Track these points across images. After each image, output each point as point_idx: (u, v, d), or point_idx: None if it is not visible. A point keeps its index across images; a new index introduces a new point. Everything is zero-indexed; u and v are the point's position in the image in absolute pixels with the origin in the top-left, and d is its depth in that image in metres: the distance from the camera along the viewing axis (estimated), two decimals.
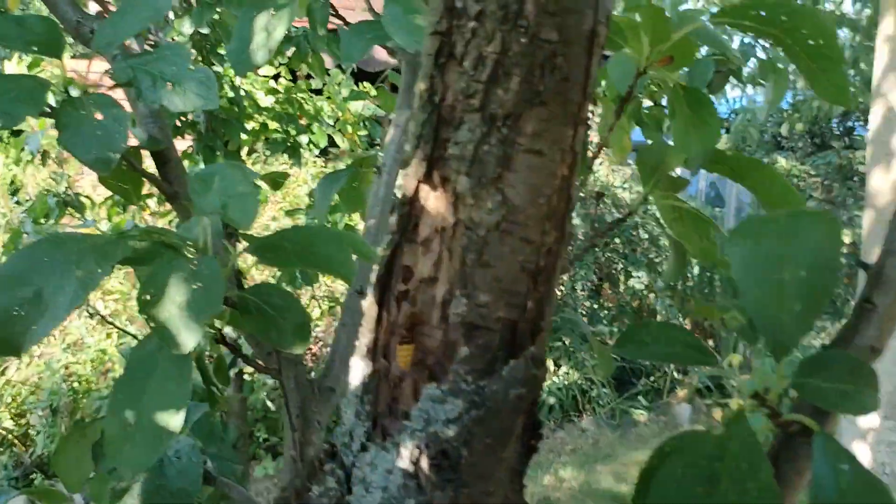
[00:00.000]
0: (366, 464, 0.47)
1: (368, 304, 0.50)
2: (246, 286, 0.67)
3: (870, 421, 2.86)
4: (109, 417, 0.55)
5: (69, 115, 0.72)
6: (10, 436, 4.15)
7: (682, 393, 5.54)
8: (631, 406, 5.33)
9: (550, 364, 5.35)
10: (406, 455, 0.45)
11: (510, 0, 0.43)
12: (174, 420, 0.53)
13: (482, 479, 0.46)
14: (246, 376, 2.47)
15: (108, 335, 4.60)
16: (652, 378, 5.62)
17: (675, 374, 5.69)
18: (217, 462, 1.19)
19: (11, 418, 4.15)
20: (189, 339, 0.52)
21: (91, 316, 4.28)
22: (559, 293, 5.55)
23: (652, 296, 5.81)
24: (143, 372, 0.56)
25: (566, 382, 5.28)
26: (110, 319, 3.69)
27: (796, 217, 0.44)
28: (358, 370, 0.50)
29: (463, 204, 0.46)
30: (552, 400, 5.17)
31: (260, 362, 0.78)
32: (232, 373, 2.52)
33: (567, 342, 5.35)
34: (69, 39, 0.90)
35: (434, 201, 0.48)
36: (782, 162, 7.59)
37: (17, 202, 5.17)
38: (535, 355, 0.46)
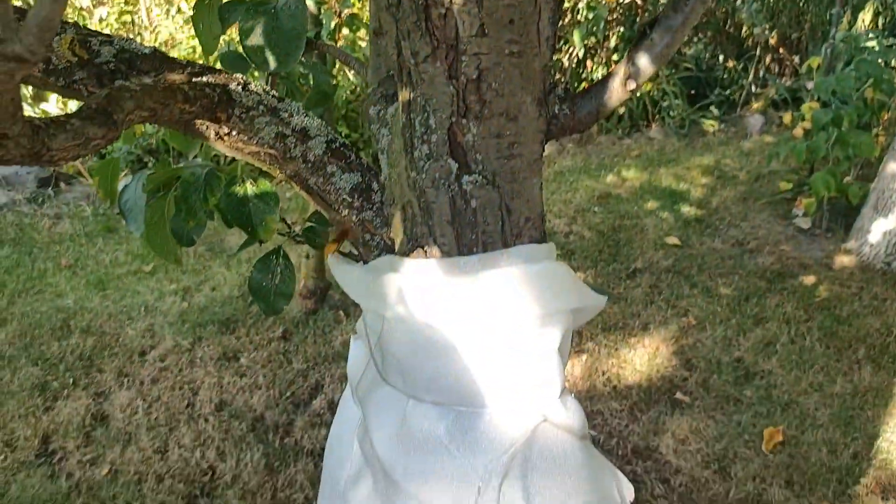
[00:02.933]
0: None
1: None
2: None
3: None
4: None
5: None
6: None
7: (756, 105, 5.55)
8: (702, 116, 5.41)
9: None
10: None
11: None
12: None
13: None
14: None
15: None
16: (728, 91, 5.61)
17: (753, 87, 5.66)
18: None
19: None
20: None
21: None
22: None
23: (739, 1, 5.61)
24: None
25: (638, 93, 5.35)
26: None
27: None
28: None
29: None
30: (621, 110, 5.30)
31: None
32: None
33: None
34: None
35: None
36: None
37: None
38: None
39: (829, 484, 2.39)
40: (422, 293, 0.73)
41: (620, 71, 0.72)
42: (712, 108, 5.44)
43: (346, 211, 0.83)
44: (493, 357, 0.74)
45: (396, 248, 0.80)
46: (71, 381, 2.94)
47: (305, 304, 3.41)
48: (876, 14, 5.42)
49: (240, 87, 0.81)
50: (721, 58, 5.74)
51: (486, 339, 0.73)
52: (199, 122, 0.78)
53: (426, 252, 0.74)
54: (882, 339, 3.07)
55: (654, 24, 0.70)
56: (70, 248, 4.20)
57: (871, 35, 4.16)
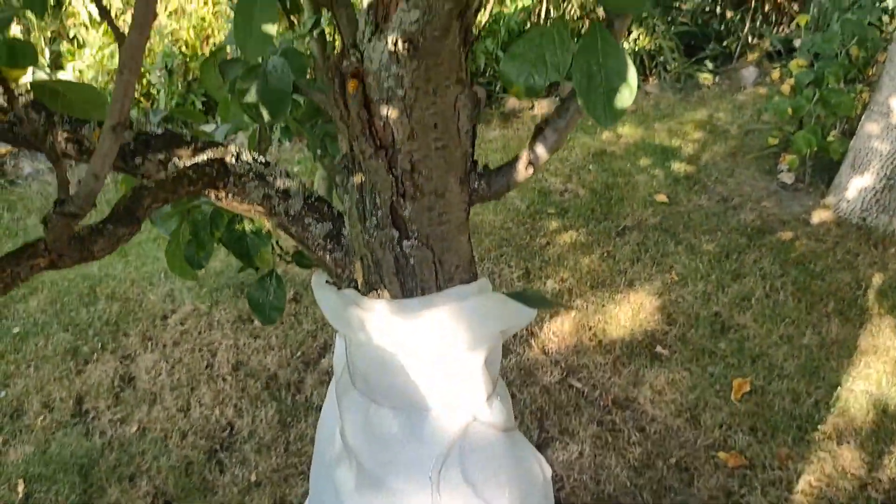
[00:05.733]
0: (371, 48, 0.86)
1: None
2: None
3: None
4: (236, 32, 0.95)
5: None
6: (136, 95, 4.80)
7: (752, 56, 5.64)
8: (698, 70, 5.51)
9: None
10: (390, 41, 0.83)
11: None
12: (271, 28, 0.92)
13: (433, 55, 0.85)
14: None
15: (206, 2, 4.98)
16: (724, 43, 5.69)
17: (749, 38, 5.73)
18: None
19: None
20: None
21: None
22: None
23: None
24: (249, 4, 0.94)
25: (635, 48, 5.45)
26: None
27: None
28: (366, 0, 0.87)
29: None
30: None
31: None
32: (315, 32, 2.91)
33: None
34: None
35: None
36: None
37: None
38: None
39: (789, 431, 2.63)
40: (377, 325, 0.95)
41: (524, 156, 0.92)
42: (707, 61, 5.53)
43: (321, 252, 1.05)
44: (434, 373, 0.97)
45: (359, 285, 1.02)
46: (99, 345, 3.22)
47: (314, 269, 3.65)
48: None
49: (234, 159, 1.02)
50: (718, 10, 5.79)
51: (428, 360, 0.96)
52: None
53: (379, 294, 0.97)
54: (852, 293, 3.28)
55: (547, 123, 0.90)
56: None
57: None
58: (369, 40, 0.86)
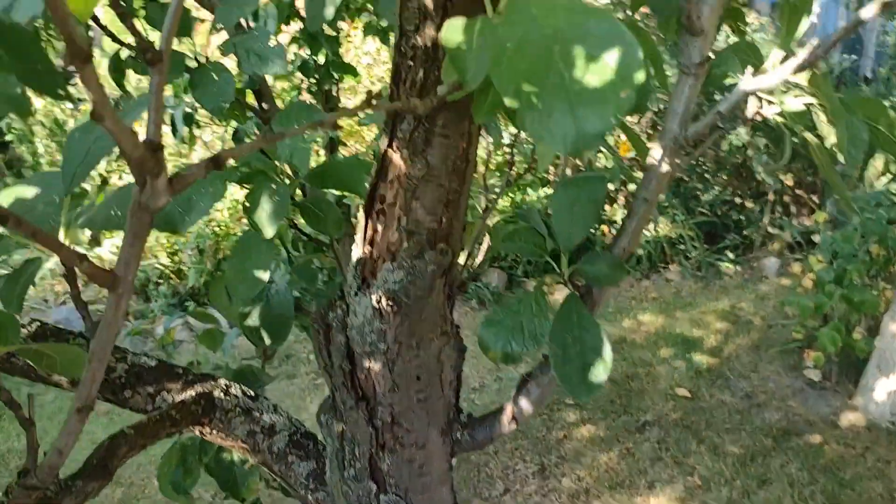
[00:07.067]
0: (356, 302, 0.87)
1: (360, 216, 0.89)
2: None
3: None
4: (229, 270, 0.98)
5: (200, 76, 1.12)
6: (166, 270, 4.94)
7: (773, 247, 5.70)
8: (718, 259, 5.57)
9: None
10: (374, 298, 0.85)
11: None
12: (263, 275, 0.95)
13: (417, 312, 0.86)
14: None
15: (242, 186, 5.23)
16: (745, 232, 5.78)
17: (770, 228, 5.81)
18: (317, 297, 1.65)
19: (168, 256, 4.92)
20: (270, 230, 0.93)
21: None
22: None
23: (750, 152, 5.85)
24: (247, 247, 0.98)
25: (656, 235, 5.55)
26: None
27: (583, 179, 0.78)
28: (356, 252, 0.90)
29: (406, 163, 0.83)
30: (640, 252, 5.48)
31: (318, 239, 1.20)
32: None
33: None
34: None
35: (395, 159, 0.85)
36: None
37: None
38: (443, 248, 0.84)
39: None
40: None
41: (508, 410, 0.91)
42: (728, 251, 5.60)
43: (303, 491, 1.02)
44: None
45: None
46: None
47: None
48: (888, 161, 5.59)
49: (222, 394, 1.02)
50: (738, 200, 5.93)
51: None
52: None
53: None
54: None
55: (531, 377, 0.89)
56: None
57: (876, 199, 4.31)
58: (356, 294, 0.88)
